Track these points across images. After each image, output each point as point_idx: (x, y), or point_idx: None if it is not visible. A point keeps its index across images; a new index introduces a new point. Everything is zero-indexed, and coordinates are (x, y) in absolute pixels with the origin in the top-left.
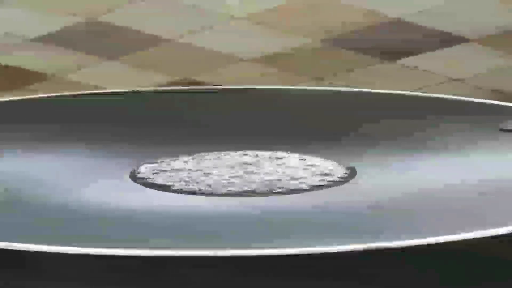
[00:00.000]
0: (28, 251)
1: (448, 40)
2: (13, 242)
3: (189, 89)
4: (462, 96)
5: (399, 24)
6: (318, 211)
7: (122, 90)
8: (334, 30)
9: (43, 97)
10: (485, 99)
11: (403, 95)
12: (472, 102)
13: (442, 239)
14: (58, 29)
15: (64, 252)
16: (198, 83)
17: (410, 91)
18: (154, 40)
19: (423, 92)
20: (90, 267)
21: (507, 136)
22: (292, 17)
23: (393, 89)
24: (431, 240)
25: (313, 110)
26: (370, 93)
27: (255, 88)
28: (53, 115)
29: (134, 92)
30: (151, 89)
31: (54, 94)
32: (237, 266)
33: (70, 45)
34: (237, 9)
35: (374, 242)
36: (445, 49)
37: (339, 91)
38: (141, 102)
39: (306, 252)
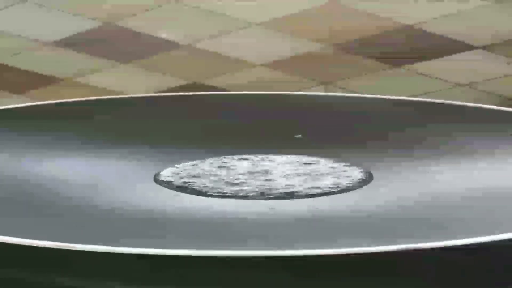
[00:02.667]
0: (77, 251)
1: (455, 46)
2: (59, 241)
3: (205, 94)
4: (471, 102)
5: (409, 31)
6: (342, 214)
7: (140, 95)
8: (345, 36)
9: (65, 101)
10: (491, 104)
11: (418, 102)
12: (485, 108)
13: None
14: (74, 33)
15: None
16: (210, 88)
17: (420, 97)
18: (168, 45)
19: (433, 98)
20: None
21: None
22: (305, 23)
23: (403, 95)
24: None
25: (325, 115)
26: (382, 99)
27: (271, 93)
28: (71, 119)
29: (151, 97)
30: (170, 94)
31: (74, 100)
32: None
33: (84, 49)
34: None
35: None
36: (453, 55)
37: (356, 97)
38: (159, 106)
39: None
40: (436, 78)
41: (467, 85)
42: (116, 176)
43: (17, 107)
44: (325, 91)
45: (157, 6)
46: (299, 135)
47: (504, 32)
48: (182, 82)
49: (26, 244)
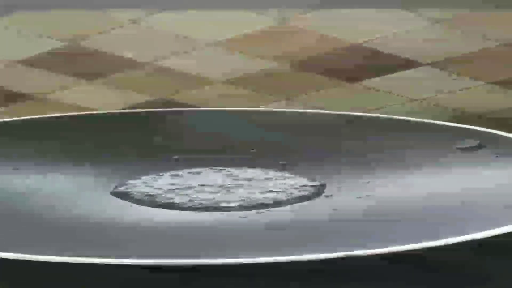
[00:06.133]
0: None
1: (405, 63)
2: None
3: (165, 110)
4: (416, 116)
5: (357, 49)
6: (299, 223)
7: (103, 111)
8: (299, 55)
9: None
10: (437, 117)
11: (364, 117)
12: (430, 123)
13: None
14: (41, 52)
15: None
16: (173, 104)
17: (371, 112)
18: (132, 64)
19: (383, 113)
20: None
21: (463, 154)
22: (261, 43)
23: (355, 110)
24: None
25: (282, 130)
26: (332, 114)
27: (228, 109)
28: (40, 134)
29: (119, 114)
30: (130, 111)
31: (44, 116)
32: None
33: (51, 68)
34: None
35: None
36: (402, 72)
37: (305, 113)
38: (121, 123)
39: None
40: (388, 93)
41: (417, 100)
42: (74, 190)
43: None
44: (286, 107)
45: (119, 27)
46: (253, 150)
47: (451, 49)
48: (146, 99)
49: None
